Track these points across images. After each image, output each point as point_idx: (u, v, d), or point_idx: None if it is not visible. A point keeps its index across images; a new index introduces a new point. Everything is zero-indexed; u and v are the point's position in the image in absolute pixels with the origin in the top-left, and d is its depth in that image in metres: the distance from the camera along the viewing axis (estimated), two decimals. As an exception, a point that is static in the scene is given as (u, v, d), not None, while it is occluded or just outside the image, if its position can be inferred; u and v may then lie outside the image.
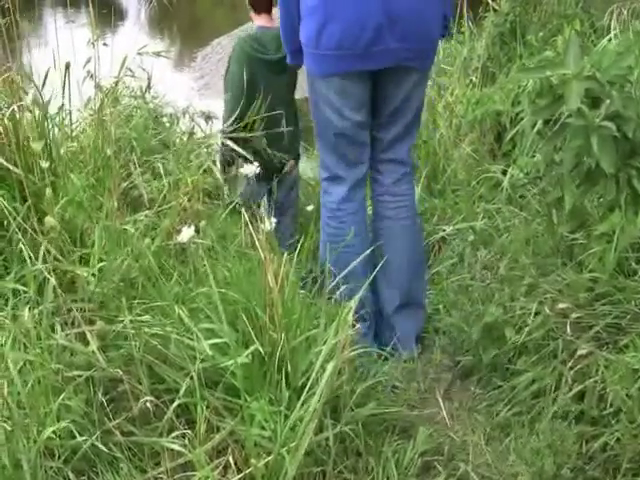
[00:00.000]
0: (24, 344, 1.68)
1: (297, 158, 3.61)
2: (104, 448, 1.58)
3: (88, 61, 2.58)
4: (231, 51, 3.42)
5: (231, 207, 2.54)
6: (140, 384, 1.66)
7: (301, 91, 3.05)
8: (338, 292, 1.92)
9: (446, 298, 2.61)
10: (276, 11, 2.62)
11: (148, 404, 1.61)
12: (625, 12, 4.02)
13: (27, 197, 1.99)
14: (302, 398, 1.64)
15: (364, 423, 1.78)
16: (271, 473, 1.57)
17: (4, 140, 2.05)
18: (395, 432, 1.89)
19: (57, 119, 2.49)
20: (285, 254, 1.80)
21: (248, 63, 3.26)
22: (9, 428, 1.51)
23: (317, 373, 1.67)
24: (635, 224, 2.00)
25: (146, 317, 1.79)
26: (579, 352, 1.90)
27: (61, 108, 2.49)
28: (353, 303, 1.81)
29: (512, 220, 2.74)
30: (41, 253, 1.83)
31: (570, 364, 1.90)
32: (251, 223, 1.82)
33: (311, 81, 2.38)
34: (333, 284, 1.93)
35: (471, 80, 4.40)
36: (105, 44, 2.72)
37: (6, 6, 2.39)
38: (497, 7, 4.71)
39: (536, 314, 2.06)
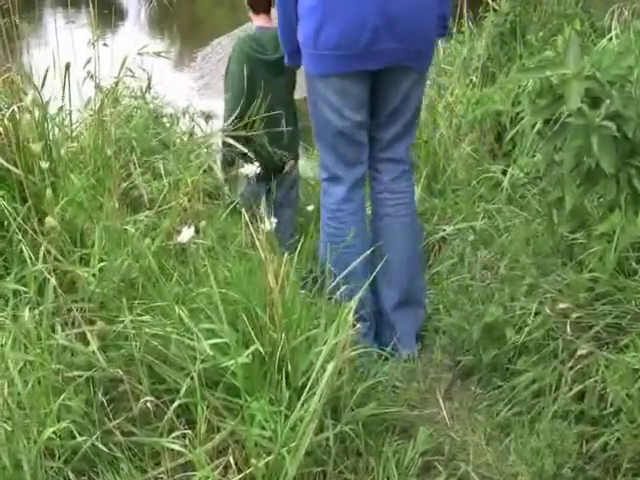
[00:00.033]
0: (24, 344, 1.68)
1: (296, 158, 3.61)
2: (104, 448, 1.58)
3: (88, 61, 2.59)
4: (231, 51, 3.43)
5: (231, 207, 2.55)
6: (140, 384, 1.66)
7: (300, 91, 3.05)
8: (338, 292, 1.92)
9: (446, 298, 2.61)
10: (275, 11, 2.62)
11: (148, 404, 1.61)
12: (626, 12, 4.02)
13: (27, 197, 1.99)
14: (302, 398, 1.64)
15: (364, 423, 1.78)
16: (271, 473, 1.57)
17: (4, 140, 2.05)
18: (395, 432, 1.89)
19: (57, 119, 2.49)
20: (285, 254, 1.81)
21: (248, 63, 3.27)
22: (9, 428, 1.51)
23: (317, 373, 1.67)
24: (635, 224, 2.00)
25: (146, 317, 1.79)
26: (579, 352, 1.90)
27: (61, 108, 2.49)
28: (353, 303, 1.81)
29: (512, 220, 2.74)
30: (41, 253, 1.83)
31: (570, 364, 1.90)
32: (251, 223, 1.82)
33: (309, 81, 2.38)
34: (333, 284, 1.93)
35: (471, 80, 4.40)
36: (105, 44, 2.72)
37: (5, 7, 2.39)
38: (497, 7, 4.71)
39: (536, 314, 2.06)
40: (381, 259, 2.33)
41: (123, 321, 1.73)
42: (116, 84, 2.79)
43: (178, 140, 3.00)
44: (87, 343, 1.68)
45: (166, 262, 2.05)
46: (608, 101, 1.91)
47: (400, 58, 2.28)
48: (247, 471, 1.56)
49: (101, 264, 1.93)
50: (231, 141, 2.91)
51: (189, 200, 2.34)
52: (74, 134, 2.58)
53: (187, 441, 1.57)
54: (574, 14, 4.60)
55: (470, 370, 2.24)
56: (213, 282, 1.74)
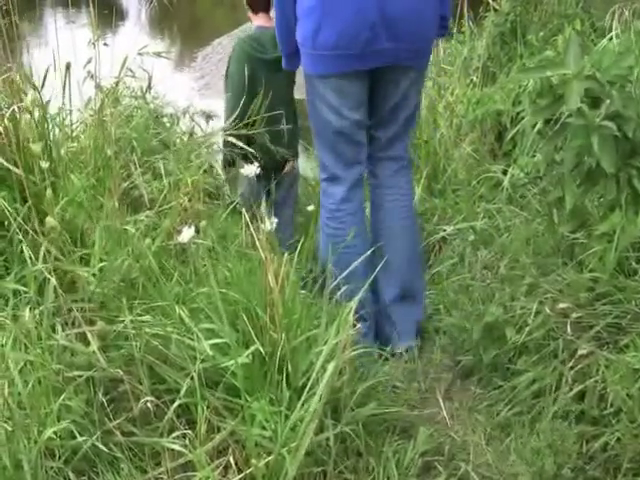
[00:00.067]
0: (25, 344, 1.68)
1: (296, 156, 3.61)
2: (105, 448, 1.58)
3: (89, 61, 2.59)
4: (231, 51, 3.43)
5: (231, 207, 2.55)
6: (141, 384, 1.66)
7: (300, 91, 3.05)
8: (339, 293, 1.92)
9: (447, 298, 2.60)
10: (273, 12, 2.62)
11: (149, 404, 1.61)
12: (626, 12, 4.02)
13: (27, 198, 1.99)
14: (303, 398, 1.64)
15: (364, 423, 1.78)
16: (272, 473, 1.57)
17: (4, 140, 2.05)
18: (396, 432, 1.89)
19: (57, 119, 2.49)
20: (285, 254, 1.81)
21: (248, 62, 3.27)
22: (10, 428, 1.51)
23: (318, 373, 1.67)
24: (635, 224, 2.00)
25: (147, 317, 1.79)
26: (579, 352, 1.90)
27: (61, 108, 2.49)
28: (354, 303, 1.81)
29: (513, 220, 2.74)
30: (41, 253, 1.83)
31: (571, 364, 1.90)
32: (251, 223, 1.82)
33: (308, 81, 2.38)
34: (334, 285, 1.93)
35: (472, 80, 4.40)
36: (106, 44, 2.72)
37: (4, 8, 2.39)
38: (497, 7, 4.71)
39: (536, 314, 2.06)
40: (381, 257, 2.34)
41: (123, 321, 1.73)
42: (116, 84, 2.79)
43: (178, 140, 3.01)
44: (87, 343, 1.68)
45: (166, 262, 2.05)
46: (608, 101, 1.91)
47: (399, 58, 2.28)
48: (247, 471, 1.56)
49: (101, 264, 1.93)
50: (233, 140, 2.91)
51: (189, 200, 2.34)
52: (74, 134, 2.59)
53: (187, 441, 1.57)
54: (574, 14, 4.60)
55: (470, 370, 2.24)
56: (213, 282, 1.74)
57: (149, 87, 3.19)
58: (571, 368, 1.90)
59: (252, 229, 1.81)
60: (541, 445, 1.81)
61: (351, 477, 1.73)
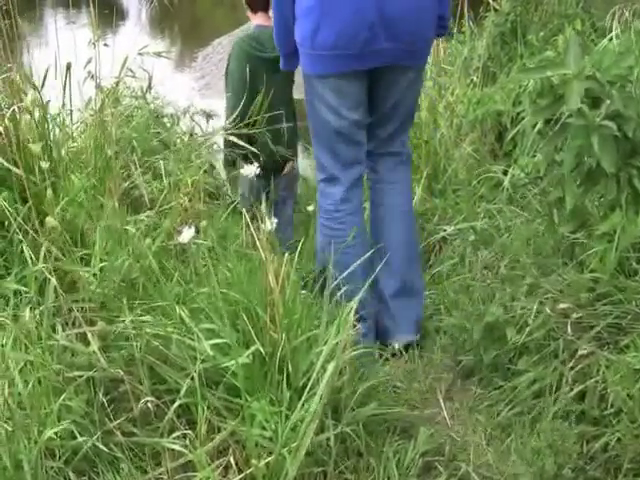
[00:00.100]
0: (25, 344, 1.68)
1: (295, 156, 3.61)
2: (105, 448, 1.58)
3: (89, 61, 2.59)
4: (230, 50, 3.43)
5: (232, 207, 2.55)
6: (141, 384, 1.66)
7: (299, 91, 3.05)
8: (339, 293, 1.91)
9: (447, 298, 2.60)
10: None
11: (149, 404, 1.61)
12: (627, 13, 4.02)
13: (28, 198, 1.99)
14: (303, 398, 1.64)
15: (365, 423, 1.78)
16: (272, 473, 1.57)
17: (5, 141, 2.05)
18: (396, 432, 1.89)
19: (58, 119, 2.49)
20: (286, 254, 1.81)
21: (247, 61, 3.27)
22: (10, 428, 1.51)
23: (318, 373, 1.67)
24: (636, 224, 2.00)
25: (147, 317, 1.79)
26: (580, 352, 1.89)
27: (62, 108, 2.49)
28: (354, 304, 1.81)
29: (513, 220, 2.74)
30: (42, 253, 1.83)
31: (571, 364, 1.90)
32: (252, 223, 1.82)
33: (307, 81, 2.38)
34: (334, 285, 1.92)
35: (472, 80, 4.39)
36: (106, 44, 2.72)
37: (4, 8, 2.39)
38: (498, 7, 4.71)
39: (537, 314, 2.06)
40: (380, 254, 2.34)
41: (124, 321, 1.73)
42: (117, 84, 2.79)
43: (179, 140, 3.01)
44: (88, 343, 1.68)
45: (167, 262, 2.05)
46: (608, 101, 1.91)
47: (398, 58, 2.28)
48: (247, 471, 1.56)
49: (102, 264, 1.93)
50: (234, 139, 2.91)
51: (190, 200, 2.34)
52: (75, 134, 2.59)
53: (188, 441, 1.57)
54: (575, 14, 4.60)
55: (471, 370, 2.24)
56: (215, 282, 1.74)
57: (149, 87, 3.19)
58: (572, 368, 1.89)
59: (252, 229, 1.81)
60: (542, 445, 1.81)
61: (351, 477, 1.73)
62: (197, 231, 1.85)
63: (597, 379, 1.84)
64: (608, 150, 1.90)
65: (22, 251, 1.90)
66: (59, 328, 1.73)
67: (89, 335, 1.68)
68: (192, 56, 9.82)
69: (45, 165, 2.00)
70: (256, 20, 3.41)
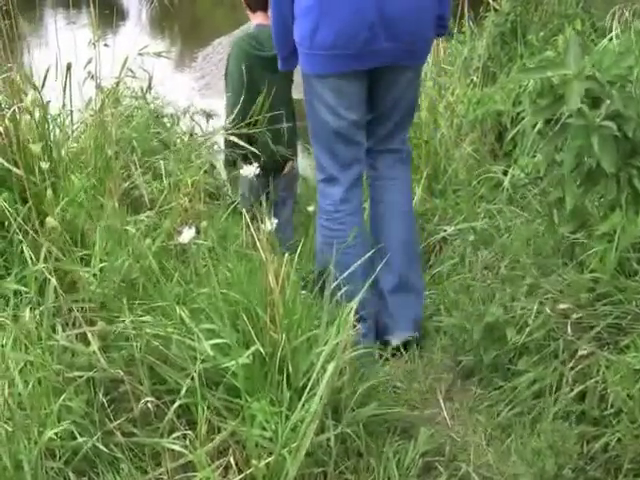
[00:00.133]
0: (25, 345, 1.68)
1: (295, 154, 3.61)
2: (105, 449, 1.58)
3: (89, 62, 2.59)
4: (229, 50, 3.43)
5: (232, 207, 2.55)
6: (141, 385, 1.66)
7: (298, 91, 3.05)
8: (339, 294, 1.91)
9: (447, 298, 2.60)
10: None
11: (149, 405, 1.61)
12: (627, 13, 4.02)
13: (28, 198, 1.99)
14: (303, 399, 1.64)
15: (365, 424, 1.78)
16: (272, 474, 1.57)
17: (5, 141, 2.05)
18: (396, 432, 1.89)
19: (58, 120, 2.49)
20: (286, 254, 1.81)
21: (246, 60, 3.27)
22: (10, 429, 1.51)
23: (318, 374, 1.67)
24: (636, 224, 2.00)
25: (147, 318, 1.79)
26: (580, 352, 1.89)
27: (62, 109, 2.49)
28: (354, 304, 1.81)
29: (513, 220, 2.74)
30: (42, 254, 1.83)
31: (571, 364, 1.90)
32: (252, 224, 1.82)
33: (306, 81, 2.38)
34: (334, 286, 1.92)
35: (472, 80, 4.39)
36: (106, 45, 2.73)
37: (4, 8, 2.39)
38: (498, 7, 4.71)
39: (537, 314, 2.06)
40: (380, 252, 2.34)
41: (124, 321, 1.73)
42: (117, 84, 2.79)
43: (179, 140, 3.01)
44: (88, 343, 1.68)
45: (167, 262, 2.05)
46: (608, 101, 1.91)
47: (398, 58, 2.28)
48: (248, 472, 1.56)
49: (102, 264, 1.93)
50: (234, 139, 2.91)
51: (190, 200, 2.34)
52: (75, 134, 2.59)
53: (188, 442, 1.57)
54: (575, 14, 4.60)
55: (471, 370, 2.23)
56: (215, 283, 1.74)
57: (149, 87, 3.19)
58: (572, 369, 1.89)
59: (252, 229, 1.81)
60: (542, 446, 1.81)
61: (352, 478, 1.73)
62: (197, 231, 1.85)
63: (597, 379, 1.84)
64: (608, 150, 1.90)
65: (22, 251, 1.90)
66: (59, 328, 1.73)
67: (89, 335, 1.68)
68: (192, 56, 9.81)
69: (45, 165, 2.00)
70: (255, 19, 3.41)
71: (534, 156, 3.05)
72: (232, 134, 2.94)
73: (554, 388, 1.91)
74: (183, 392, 1.61)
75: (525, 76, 2.67)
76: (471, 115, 3.77)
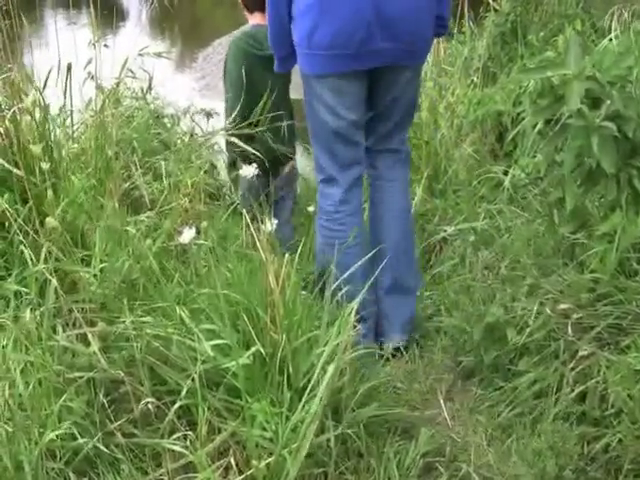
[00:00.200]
0: (26, 345, 1.68)
1: (294, 153, 3.61)
2: (105, 449, 1.59)
3: (89, 62, 2.59)
4: (227, 49, 3.43)
5: (232, 208, 2.55)
6: (141, 385, 1.66)
7: (296, 91, 3.05)
8: (339, 294, 1.91)
9: (447, 298, 2.60)
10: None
11: (149, 405, 1.61)
12: (626, 13, 4.02)
13: (28, 199, 1.99)
14: (303, 399, 1.64)
15: (365, 424, 1.78)
16: (272, 474, 1.57)
17: (5, 142, 2.05)
18: (397, 433, 1.89)
19: (58, 120, 2.49)
20: (286, 255, 1.80)
21: (245, 60, 3.26)
22: (11, 430, 1.51)
23: (318, 374, 1.67)
24: (636, 224, 2.00)
25: (147, 318, 1.79)
26: (580, 353, 1.89)
27: (62, 109, 2.50)
28: (354, 304, 1.81)
29: (513, 220, 2.74)
30: (42, 254, 1.83)
31: (572, 365, 1.90)
32: (252, 224, 1.82)
33: (305, 81, 2.38)
34: (334, 286, 1.92)
35: (472, 80, 4.39)
36: (106, 45, 2.73)
37: (4, 8, 2.39)
38: (498, 7, 4.71)
39: (537, 314, 2.06)
40: (379, 252, 2.35)
41: (124, 322, 1.73)
42: (117, 85, 2.80)
43: (179, 141, 3.01)
44: (88, 344, 1.68)
45: (167, 263, 2.05)
46: (608, 101, 1.91)
47: (398, 58, 2.28)
48: (248, 472, 1.56)
49: (102, 265, 1.93)
50: (235, 140, 2.91)
51: (190, 201, 2.34)
52: (75, 135, 2.59)
53: (188, 442, 1.57)
54: (575, 14, 4.60)
55: (471, 371, 2.23)
56: (217, 283, 1.74)
57: (150, 88, 3.19)
58: (572, 369, 1.89)
59: (253, 230, 1.81)
60: (542, 446, 1.81)
61: (352, 478, 1.73)
62: (197, 232, 1.85)
63: (598, 380, 1.84)
64: (608, 150, 1.90)
65: (22, 252, 1.90)
66: (59, 329, 1.73)
67: (89, 336, 1.68)
68: (192, 56, 9.81)
69: (46, 166, 2.00)
70: (253, 20, 3.40)
71: (534, 156, 3.05)
72: (232, 135, 2.94)
73: (555, 389, 1.91)
74: (183, 393, 1.61)
75: (525, 76, 2.67)
76: (471, 115, 3.77)
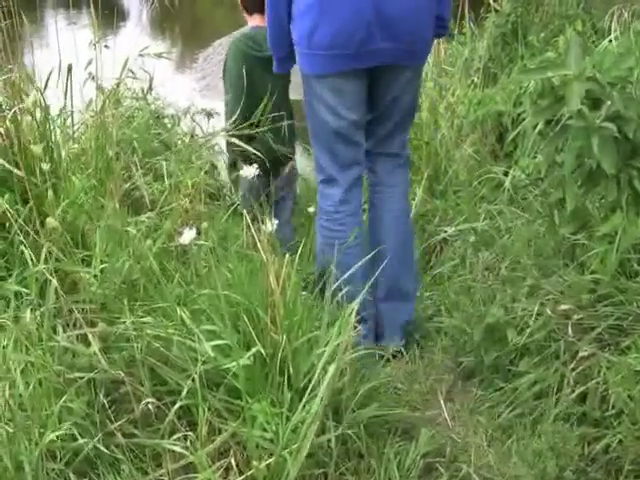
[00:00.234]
0: (26, 346, 1.68)
1: (293, 153, 3.61)
2: (106, 450, 1.59)
3: (90, 63, 2.59)
4: (227, 50, 3.43)
5: (232, 208, 2.55)
6: (142, 386, 1.66)
7: (296, 91, 3.05)
8: (340, 294, 1.91)
9: (448, 299, 2.60)
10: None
11: (150, 406, 1.61)
12: (626, 14, 4.02)
13: (29, 199, 1.99)
14: (304, 400, 1.64)
15: (366, 425, 1.78)
16: (273, 475, 1.57)
17: (6, 142, 2.05)
18: (397, 434, 1.89)
19: (59, 121, 2.49)
20: (287, 255, 1.80)
21: (244, 61, 3.27)
22: (11, 430, 1.51)
23: (319, 375, 1.67)
24: (637, 225, 2.00)
25: (148, 319, 1.79)
26: (581, 353, 1.89)
27: (63, 110, 2.50)
28: (355, 305, 1.81)
29: (514, 221, 2.74)
30: (43, 255, 1.83)
31: (572, 365, 1.90)
32: (252, 224, 1.82)
33: (305, 81, 2.38)
34: (335, 287, 1.92)
35: (473, 81, 4.39)
36: (106, 46, 2.73)
37: (6, 8, 2.39)
38: (498, 7, 4.71)
39: (538, 315, 2.06)
40: (378, 253, 2.35)
41: (124, 322, 1.73)
42: (117, 85, 2.80)
43: (179, 141, 3.01)
44: (88, 344, 1.68)
45: (167, 263, 2.05)
46: (609, 102, 1.91)
47: (399, 58, 2.28)
48: (248, 473, 1.56)
49: (102, 265, 1.93)
50: (235, 141, 2.91)
51: (190, 201, 2.34)
52: (75, 135, 2.59)
53: (188, 443, 1.57)
54: (575, 15, 4.60)
55: (472, 371, 2.23)
56: (217, 283, 1.74)
57: (150, 88, 3.19)
58: (573, 370, 1.89)
59: (253, 230, 1.81)
60: (543, 447, 1.81)
61: (352, 479, 1.73)
62: (198, 232, 1.85)
63: (598, 380, 1.84)
64: (608, 151, 1.90)
65: (23, 252, 1.90)
66: (60, 329, 1.73)
67: (90, 336, 1.68)
68: (193, 57, 9.82)
69: (46, 166, 2.00)
70: (252, 22, 3.41)
71: (535, 157, 3.05)
72: (233, 135, 2.94)
73: (555, 389, 1.91)
74: (184, 393, 1.61)
75: (526, 77, 2.67)
76: (472, 116, 3.77)
